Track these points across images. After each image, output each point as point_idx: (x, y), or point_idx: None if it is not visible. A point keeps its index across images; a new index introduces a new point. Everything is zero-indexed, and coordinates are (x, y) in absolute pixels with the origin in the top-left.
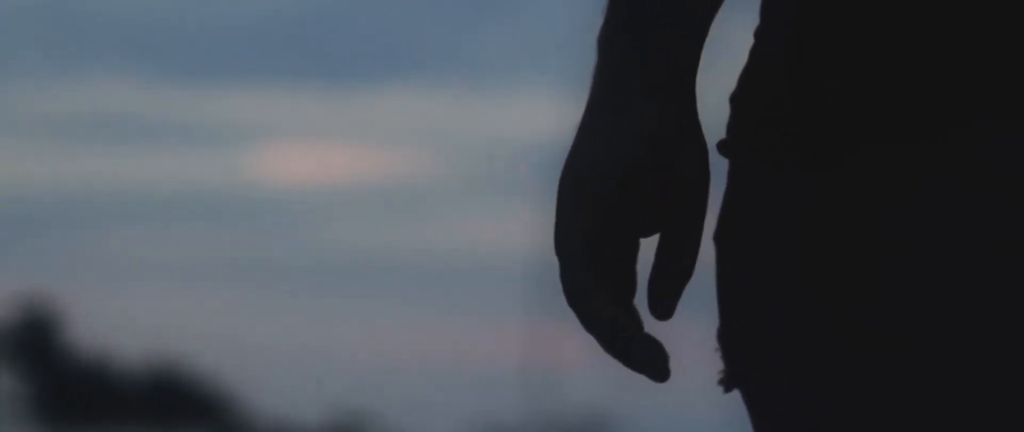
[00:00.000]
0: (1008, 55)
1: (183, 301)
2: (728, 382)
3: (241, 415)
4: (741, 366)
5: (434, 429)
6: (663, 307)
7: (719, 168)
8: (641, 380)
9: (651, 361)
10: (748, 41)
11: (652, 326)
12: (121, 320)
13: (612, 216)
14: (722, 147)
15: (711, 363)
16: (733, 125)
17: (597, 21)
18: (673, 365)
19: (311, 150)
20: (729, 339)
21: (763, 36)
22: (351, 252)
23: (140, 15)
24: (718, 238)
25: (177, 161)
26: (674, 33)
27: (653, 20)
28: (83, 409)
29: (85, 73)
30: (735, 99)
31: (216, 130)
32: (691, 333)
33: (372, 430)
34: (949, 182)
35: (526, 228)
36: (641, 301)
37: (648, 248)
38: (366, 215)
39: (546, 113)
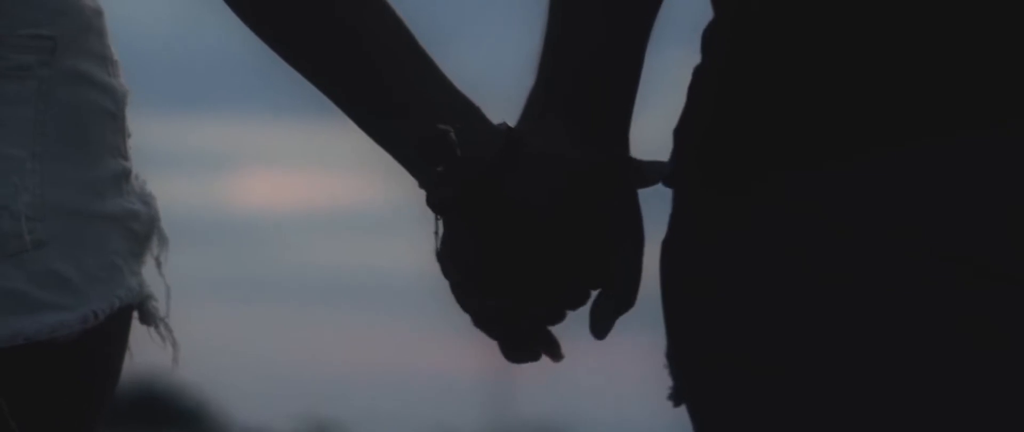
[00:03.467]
0: (885, 90)
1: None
2: (677, 397)
3: (217, 423)
4: (703, 386)
5: None
6: (597, 328)
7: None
8: (595, 390)
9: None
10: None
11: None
12: None
13: None
14: (666, 178)
15: (662, 378)
16: (675, 156)
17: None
18: (625, 378)
19: (286, 176)
20: (678, 358)
21: (701, 71)
22: (319, 271)
23: (120, 42)
24: (664, 263)
25: (157, 185)
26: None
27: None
28: None
29: None
30: (677, 132)
31: (194, 156)
32: (649, 350)
33: None
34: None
35: None
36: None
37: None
38: (334, 237)
39: None
